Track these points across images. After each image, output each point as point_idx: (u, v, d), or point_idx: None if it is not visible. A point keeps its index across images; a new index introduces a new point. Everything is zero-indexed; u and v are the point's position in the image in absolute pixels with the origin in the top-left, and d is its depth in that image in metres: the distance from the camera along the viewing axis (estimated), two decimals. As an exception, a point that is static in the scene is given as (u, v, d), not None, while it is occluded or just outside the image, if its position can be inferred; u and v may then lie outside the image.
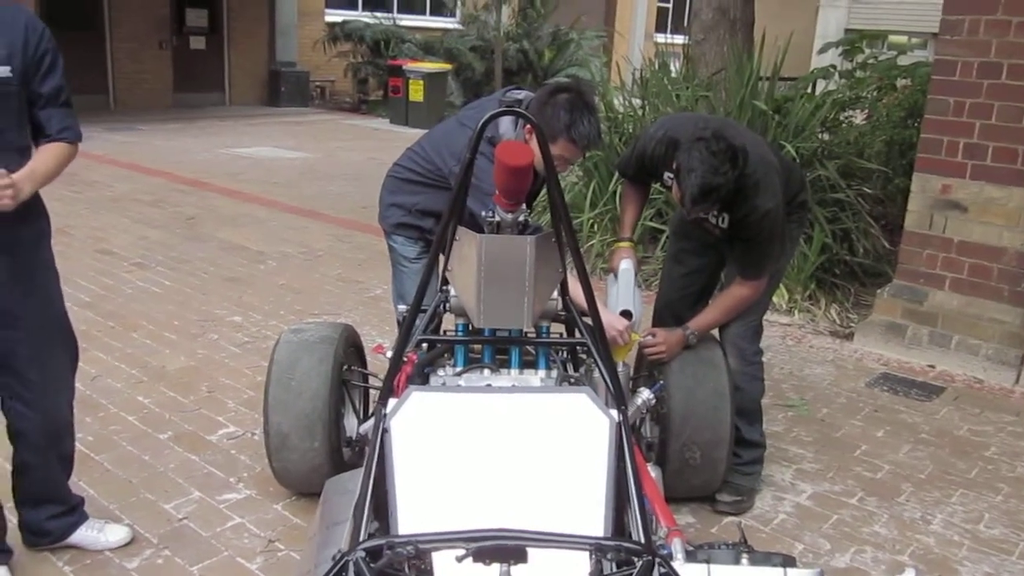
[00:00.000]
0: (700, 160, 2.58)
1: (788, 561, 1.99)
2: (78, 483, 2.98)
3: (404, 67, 13.72)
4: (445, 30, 16.27)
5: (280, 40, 15.59)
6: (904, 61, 7.45)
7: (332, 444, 2.77)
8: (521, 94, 3.00)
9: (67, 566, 2.58)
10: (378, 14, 15.91)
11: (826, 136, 6.25)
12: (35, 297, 2.39)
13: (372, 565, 1.37)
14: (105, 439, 3.34)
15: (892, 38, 11.72)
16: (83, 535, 2.63)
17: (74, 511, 2.64)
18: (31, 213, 2.33)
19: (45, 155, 2.31)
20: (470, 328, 2.67)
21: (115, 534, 2.67)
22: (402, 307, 3.13)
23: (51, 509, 2.58)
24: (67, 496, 2.63)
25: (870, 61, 7.55)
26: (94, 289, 5.10)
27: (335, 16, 15.92)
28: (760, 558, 1.99)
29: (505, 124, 2.89)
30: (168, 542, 2.72)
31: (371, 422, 2.57)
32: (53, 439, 2.52)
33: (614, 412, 1.99)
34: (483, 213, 2.51)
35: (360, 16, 15.88)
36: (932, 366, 4.60)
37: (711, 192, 2.61)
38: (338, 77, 16.11)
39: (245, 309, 4.91)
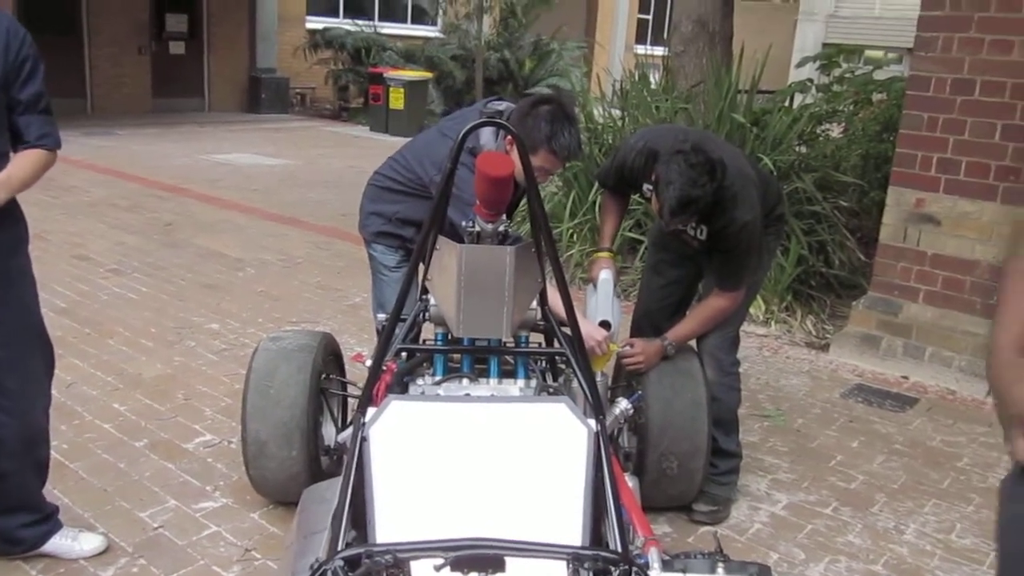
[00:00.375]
0: (679, 173, 2.61)
1: (763, 571, 2.00)
2: (52, 491, 2.95)
3: (385, 75, 13.73)
4: (426, 38, 16.30)
5: (260, 46, 15.54)
6: (880, 76, 7.55)
7: (310, 453, 2.77)
8: (502, 105, 3.02)
9: (40, 575, 2.55)
10: (359, 21, 15.91)
11: (803, 149, 6.32)
12: (11, 304, 2.37)
13: (351, 574, 1.38)
14: (80, 447, 3.31)
15: (869, 53, 11.86)
16: (57, 544, 2.61)
17: (48, 519, 2.62)
18: (8, 219, 2.32)
19: (23, 162, 2.29)
20: (449, 337, 2.68)
21: (89, 543, 2.65)
22: (381, 316, 3.13)
23: (24, 517, 2.55)
24: (41, 504, 2.61)
25: (847, 75, 7.65)
26: (70, 295, 5.05)
27: (316, 23, 15.90)
28: (735, 567, 2.01)
29: (486, 135, 2.90)
30: (143, 551, 2.70)
31: (350, 431, 2.57)
32: (29, 446, 2.50)
33: (592, 422, 2.00)
34: (463, 223, 2.51)
35: (341, 23, 15.87)
36: (906, 377, 4.65)
37: (690, 204, 2.64)
38: (318, 84, 16.08)
39: (223, 316, 4.88)
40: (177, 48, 14.80)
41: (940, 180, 4.56)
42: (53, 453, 3.16)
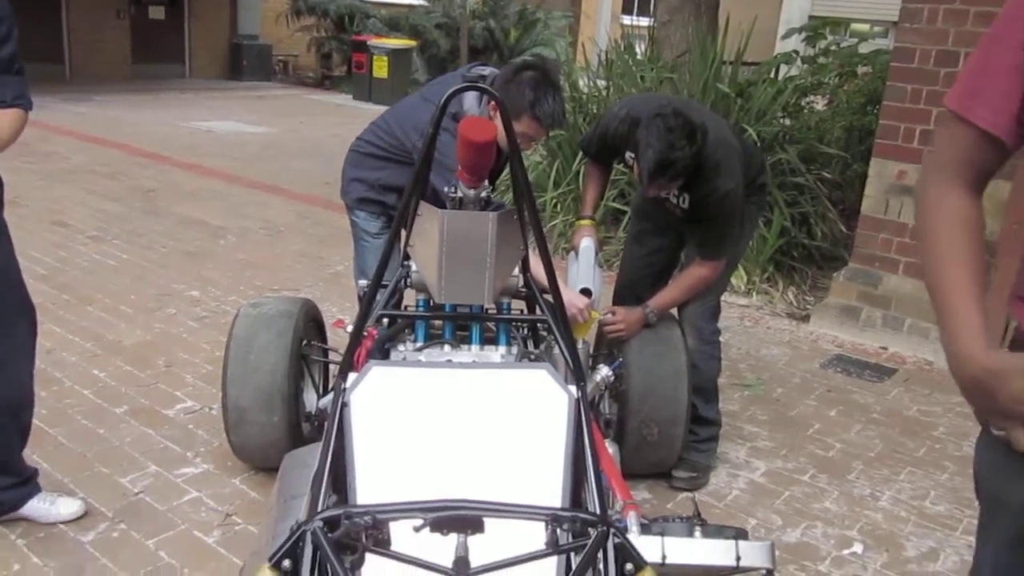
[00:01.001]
0: (657, 136, 2.60)
1: (740, 534, 2.04)
2: (31, 456, 2.94)
3: (368, 43, 13.59)
4: (411, 6, 16.11)
5: (242, 12, 15.33)
6: (865, 49, 7.54)
7: (291, 419, 2.77)
8: (486, 71, 3.00)
9: (20, 539, 2.55)
10: (343, -12, 15.71)
11: (787, 121, 6.32)
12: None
13: (329, 535, 1.38)
14: (60, 413, 3.30)
15: (854, 26, 11.83)
16: (34, 507, 2.60)
17: (27, 482, 2.61)
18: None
19: (3, 121, 2.26)
20: (431, 304, 2.68)
21: (67, 507, 2.64)
22: (363, 282, 3.12)
23: (4, 480, 2.55)
24: (21, 468, 2.60)
25: (832, 48, 7.64)
26: (49, 262, 5.01)
27: (299, -11, 15.67)
28: (713, 531, 2.04)
29: (469, 100, 2.88)
30: (124, 516, 2.70)
31: (330, 396, 2.57)
32: (15, 410, 2.49)
33: (573, 388, 2.01)
34: (445, 189, 2.51)
35: (324, -10, 15.66)
36: (885, 348, 4.70)
37: (667, 167, 2.63)
38: (301, 52, 15.90)
39: (204, 284, 4.85)
40: (157, 13, 14.58)
41: (923, 152, 4.57)
42: (33, 419, 3.15)
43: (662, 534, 2.00)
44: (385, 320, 2.62)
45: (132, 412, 3.35)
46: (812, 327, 4.94)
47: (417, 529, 1.37)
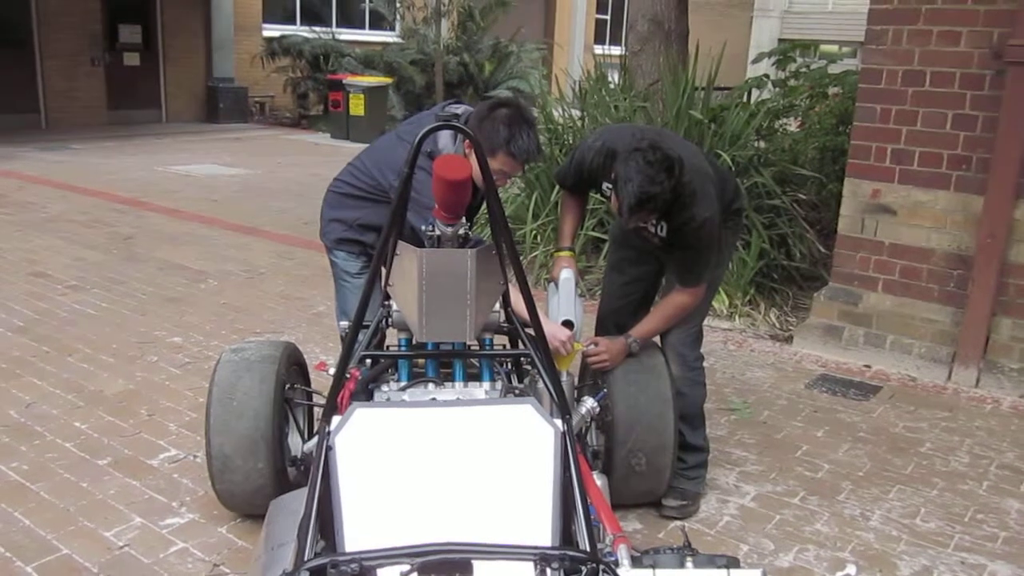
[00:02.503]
0: (637, 170, 2.63)
1: (732, 562, 2.02)
2: (13, 514, 2.91)
3: (344, 81, 13.66)
4: (385, 44, 16.23)
5: (217, 55, 15.39)
6: (835, 70, 7.66)
7: (276, 464, 2.74)
8: (460, 109, 3.02)
9: (3, 600, 2.51)
10: (317, 28, 15.81)
11: (761, 144, 6.39)
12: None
13: (316, 584, 1.37)
14: (41, 467, 3.25)
15: (823, 47, 12.04)
16: None
17: None
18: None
19: None
20: (413, 342, 2.67)
21: None
22: (344, 323, 3.11)
23: None
24: None
25: (802, 70, 7.75)
26: (28, 313, 4.96)
27: (273, 31, 15.76)
28: (704, 560, 2.02)
29: (445, 138, 2.90)
30: (109, 570, 2.66)
31: (315, 440, 2.55)
32: None
33: (559, 422, 2.00)
34: (423, 227, 2.51)
35: (298, 31, 15.76)
36: (868, 366, 4.72)
37: (648, 201, 2.66)
38: (277, 92, 15.95)
39: (185, 329, 4.82)
40: (132, 59, 14.60)
41: (895, 171, 4.63)
42: (13, 475, 3.11)
43: (653, 566, 1.98)
44: (368, 361, 2.61)
45: (115, 463, 3.31)
46: (796, 348, 4.96)
47: (404, 575, 1.37)
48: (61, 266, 5.97)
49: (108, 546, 2.78)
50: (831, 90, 7.34)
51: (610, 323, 3.33)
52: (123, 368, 4.24)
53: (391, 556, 1.37)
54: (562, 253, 3.19)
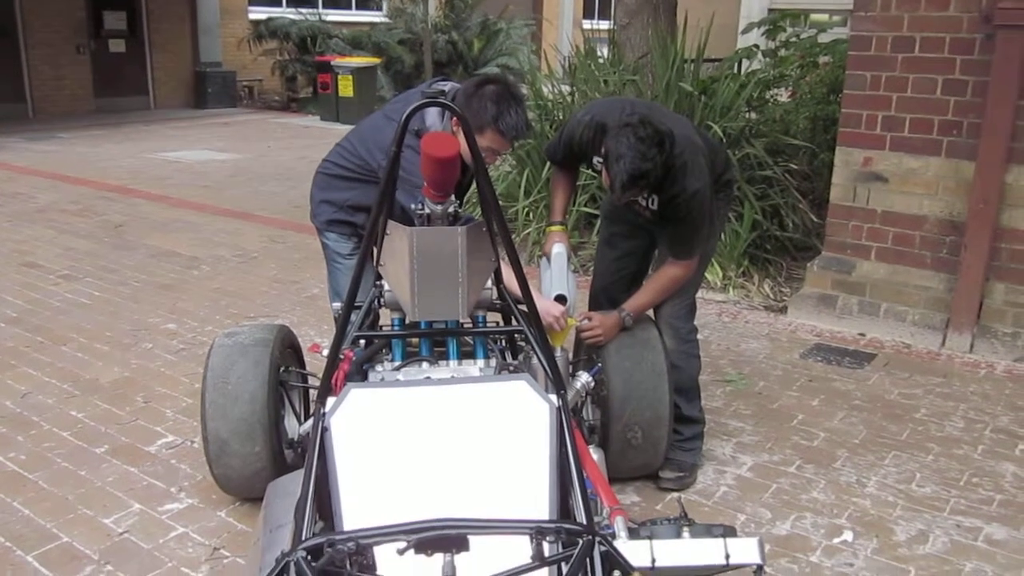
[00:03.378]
0: (628, 146, 2.61)
1: (728, 531, 2.04)
2: (12, 504, 2.91)
3: (332, 63, 13.56)
4: (372, 24, 16.09)
5: (203, 40, 15.26)
6: (825, 39, 7.62)
7: (273, 447, 2.74)
8: (447, 85, 3.00)
9: (4, 589, 2.51)
10: (303, 10, 15.67)
11: (752, 115, 6.37)
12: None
13: (313, 564, 1.37)
14: (39, 457, 3.25)
15: (813, 16, 11.95)
16: None
17: None
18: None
19: None
20: (406, 321, 2.67)
21: None
22: (337, 304, 3.11)
23: None
24: None
25: (792, 40, 7.71)
26: (20, 304, 4.95)
27: (259, 14, 15.63)
28: (701, 530, 2.04)
29: (432, 116, 2.88)
30: (109, 557, 2.67)
31: (311, 422, 2.55)
32: None
33: (554, 397, 2.01)
34: (412, 206, 2.50)
35: (284, 13, 15.63)
36: (863, 334, 4.73)
37: (640, 178, 2.65)
38: (265, 76, 15.85)
39: (179, 316, 4.81)
40: (117, 46, 14.47)
41: (886, 138, 4.62)
42: (11, 465, 3.11)
43: (650, 537, 2.00)
44: (362, 341, 2.61)
45: (113, 451, 3.32)
46: (790, 318, 4.97)
47: (401, 552, 1.37)
48: (53, 256, 5.94)
49: (108, 533, 2.79)
50: (821, 59, 7.30)
51: (603, 298, 3.33)
52: (118, 356, 4.24)
53: (387, 533, 1.37)
54: (554, 228, 3.18)
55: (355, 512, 1.78)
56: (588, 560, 1.44)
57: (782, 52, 7.52)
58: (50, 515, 2.87)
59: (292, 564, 1.36)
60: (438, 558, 1.41)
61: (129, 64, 14.64)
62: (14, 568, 2.58)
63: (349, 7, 17.40)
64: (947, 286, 4.54)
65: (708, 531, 2.02)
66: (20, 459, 3.21)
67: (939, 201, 4.52)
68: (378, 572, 1.54)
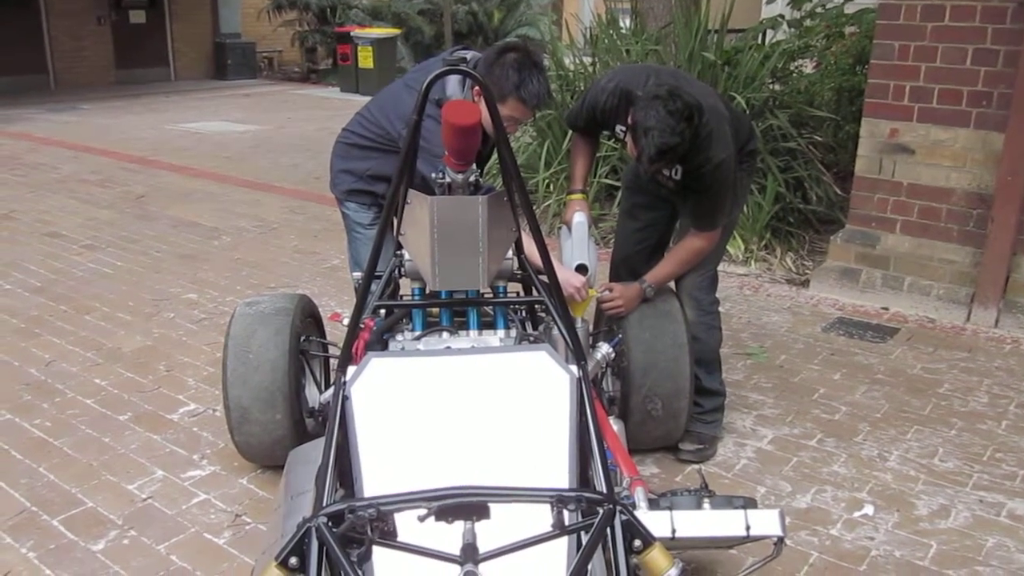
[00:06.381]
0: (657, 119, 2.57)
1: (749, 503, 2.03)
2: (38, 470, 2.95)
3: (352, 34, 13.51)
4: (392, -6, 16.00)
5: (223, 11, 15.25)
6: (851, 8, 7.48)
7: (294, 415, 2.76)
8: (468, 54, 2.96)
9: (31, 552, 2.55)
10: (323, -20, 15.60)
11: (776, 86, 6.28)
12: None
13: (334, 530, 1.37)
14: (63, 423, 3.29)
15: (839, -14, 11.75)
16: None
17: None
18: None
19: None
20: (427, 291, 2.66)
21: None
22: (358, 274, 3.10)
23: None
24: None
25: (818, 10, 7.57)
26: (44, 273, 4.99)
27: (279, -16, 15.57)
28: (721, 502, 2.03)
29: (453, 85, 2.86)
30: (133, 522, 2.70)
31: (332, 391, 2.56)
32: None
33: (574, 368, 2.00)
34: (433, 175, 2.48)
35: (304, -17, 15.56)
36: (886, 308, 4.68)
37: (669, 151, 2.61)
38: (285, 47, 15.82)
39: (200, 286, 4.84)
40: (137, 17, 14.49)
41: (913, 109, 4.54)
42: (36, 432, 3.15)
43: (670, 508, 2.00)
44: (382, 311, 2.60)
45: (136, 419, 3.35)
46: (812, 292, 4.93)
47: (422, 519, 1.37)
48: (75, 226, 5.98)
49: (132, 499, 2.82)
50: (848, 29, 7.17)
51: (624, 270, 3.30)
52: (140, 325, 4.27)
53: (408, 500, 1.37)
54: (574, 196, 3.16)
55: (375, 480, 1.78)
56: (608, 529, 1.44)
57: (807, 22, 7.39)
58: (75, 480, 2.91)
59: (313, 530, 1.37)
60: (458, 525, 1.41)
61: (149, 35, 14.66)
62: (40, 532, 2.62)
63: (369, -23, 17.28)
64: (973, 260, 4.48)
65: (729, 503, 2.02)
66: (46, 426, 3.25)
67: (967, 173, 4.45)
68: (398, 538, 1.54)
